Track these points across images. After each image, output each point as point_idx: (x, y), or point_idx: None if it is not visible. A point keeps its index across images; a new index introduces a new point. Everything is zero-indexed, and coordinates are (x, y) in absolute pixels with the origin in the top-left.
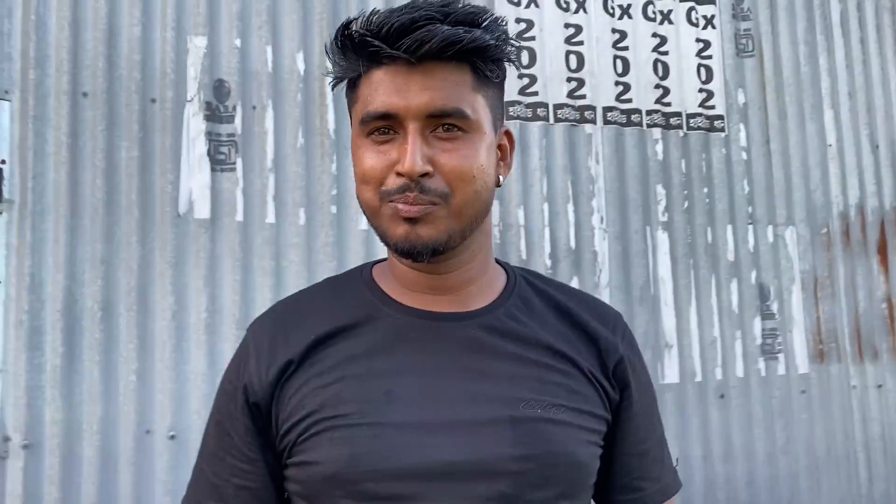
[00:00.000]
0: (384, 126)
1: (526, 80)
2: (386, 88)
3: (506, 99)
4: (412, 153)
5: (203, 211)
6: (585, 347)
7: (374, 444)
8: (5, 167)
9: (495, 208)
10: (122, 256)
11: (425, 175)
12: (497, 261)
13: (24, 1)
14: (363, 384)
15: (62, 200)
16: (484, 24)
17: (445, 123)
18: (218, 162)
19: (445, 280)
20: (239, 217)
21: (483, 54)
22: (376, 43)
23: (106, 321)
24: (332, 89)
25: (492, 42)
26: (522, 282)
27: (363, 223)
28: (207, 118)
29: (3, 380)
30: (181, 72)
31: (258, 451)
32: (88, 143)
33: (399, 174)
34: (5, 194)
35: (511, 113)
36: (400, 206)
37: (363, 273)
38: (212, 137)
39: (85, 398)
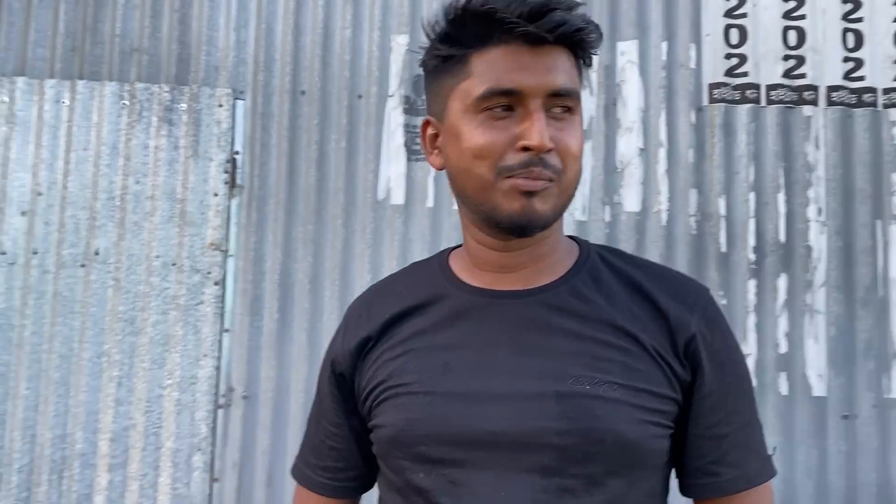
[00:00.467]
0: (506, 103)
1: (734, 61)
2: (509, 66)
3: (711, 80)
4: (541, 128)
5: (398, 197)
6: (654, 323)
7: (428, 411)
8: (239, 157)
9: (692, 196)
10: (328, 237)
11: (548, 151)
12: (572, 237)
13: (258, 12)
14: (425, 357)
15: (281, 186)
16: (582, 13)
17: (562, 105)
18: (413, 152)
19: (518, 258)
20: (430, 203)
21: (590, 43)
22: (512, 19)
23: (313, 293)
24: (422, 67)
25: (598, 33)
26: (597, 258)
27: None
28: (406, 111)
29: (230, 338)
30: (384, 69)
31: (344, 416)
32: (304, 136)
33: (525, 148)
34: (238, 181)
35: (715, 95)
36: (520, 181)
37: (441, 257)
38: (408, 129)
39: (293, 360)
